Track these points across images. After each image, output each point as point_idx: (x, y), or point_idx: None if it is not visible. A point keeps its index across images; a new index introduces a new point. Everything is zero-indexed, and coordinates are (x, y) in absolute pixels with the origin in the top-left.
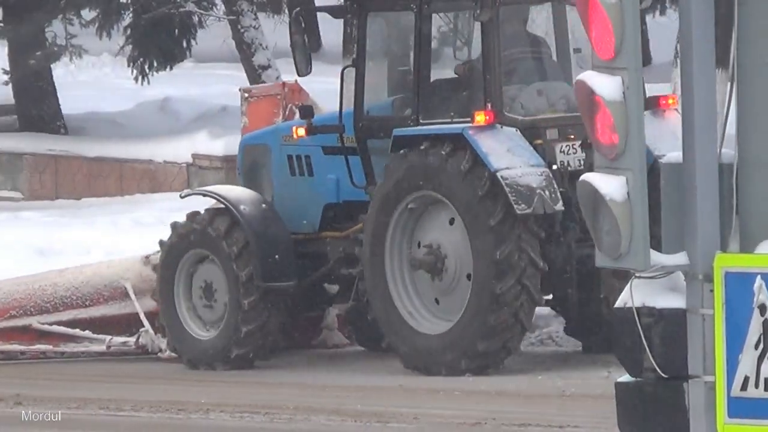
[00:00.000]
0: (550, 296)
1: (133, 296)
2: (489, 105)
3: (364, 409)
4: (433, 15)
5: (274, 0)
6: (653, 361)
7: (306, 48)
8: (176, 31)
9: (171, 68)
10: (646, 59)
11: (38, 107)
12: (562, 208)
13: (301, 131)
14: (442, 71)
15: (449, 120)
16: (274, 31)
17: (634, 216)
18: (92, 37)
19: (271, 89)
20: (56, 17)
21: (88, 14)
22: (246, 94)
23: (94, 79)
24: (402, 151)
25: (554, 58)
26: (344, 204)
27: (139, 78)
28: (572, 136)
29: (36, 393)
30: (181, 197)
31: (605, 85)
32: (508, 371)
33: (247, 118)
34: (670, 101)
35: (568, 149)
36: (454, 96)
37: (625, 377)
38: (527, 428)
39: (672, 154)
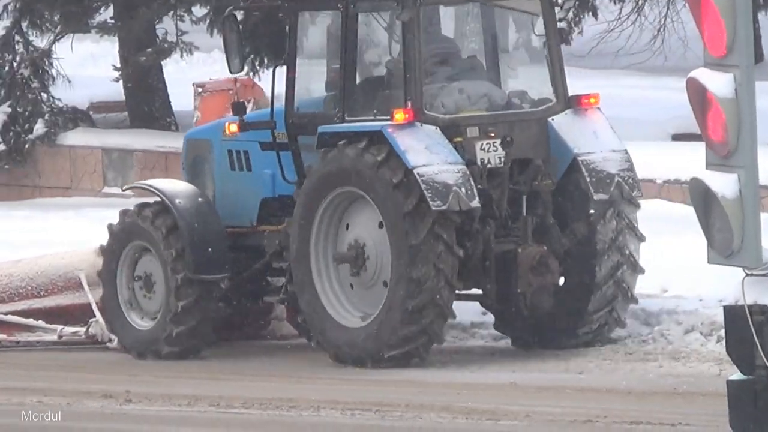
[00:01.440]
0: (476, 291)
1: (86, 287)
2: (409, 103)
3: (475, 407)
4: (363, 14)
5: None
6: (765, 359)
7: (240, 46)
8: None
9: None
10: (758, 56)
11: (149, 104)
12: (478, 205)
13: (234, 127)
14: (374, 69)
15: (372, 117)
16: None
17: (746, 213)
18: (203, 33)
19: (223, 84)
20: (167, 14)
21: (198, 11)
22: (199, 89)
23: (204, 75)
24: (324, 149)
25: (479, 57)
26: (280, 198)
27: (250, 74)
28: (493, 134)
29: (143, 390)
30: (123, 190)
31: (717, 83)
32: (619, 369)
33: (200, 113)
34: (592, 100)
35: (489, 147)
36: (379, 94)
37: (737, 375)
38: (638, 426)
39: None
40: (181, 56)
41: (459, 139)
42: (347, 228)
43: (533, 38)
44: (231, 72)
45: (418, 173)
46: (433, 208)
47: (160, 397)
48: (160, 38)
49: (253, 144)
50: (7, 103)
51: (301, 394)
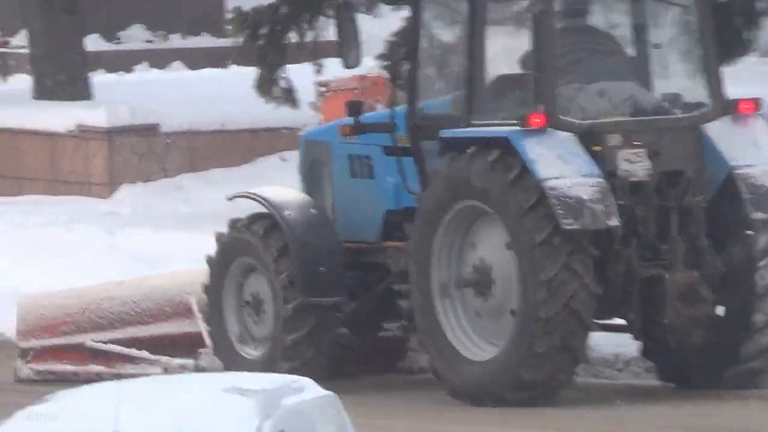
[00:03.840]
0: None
1: (197, 312)
2: (541, 107)
3: None
4: (494, 3)
5: None
6: None
7: (356, 38)
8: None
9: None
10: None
11: None
12: (617, 224)
13: (347, 129)
14: (505, 66)
15: (501, 122)
16: None
17: None
18: None
19: (349, 82)
20: None
21: None
22: (322, 88)
23: None
24: (448, 155)
25: (625, 55)
26: (406, 211)
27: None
28: (638, 143)
29: None
30: (228, 200)
31: None
32: None
33: (323, 115)
34: (753, 105)
35: (633, 157)
36: (509, 95)
37: None
38: None
39: None
40: None
41: (598, 148)
42: (473, 247)
43: (687, 35)
44: (347, 67)
45: (548, 187)
46: (564, 227)
47: None
48: None
49: (375, 148)
50: None
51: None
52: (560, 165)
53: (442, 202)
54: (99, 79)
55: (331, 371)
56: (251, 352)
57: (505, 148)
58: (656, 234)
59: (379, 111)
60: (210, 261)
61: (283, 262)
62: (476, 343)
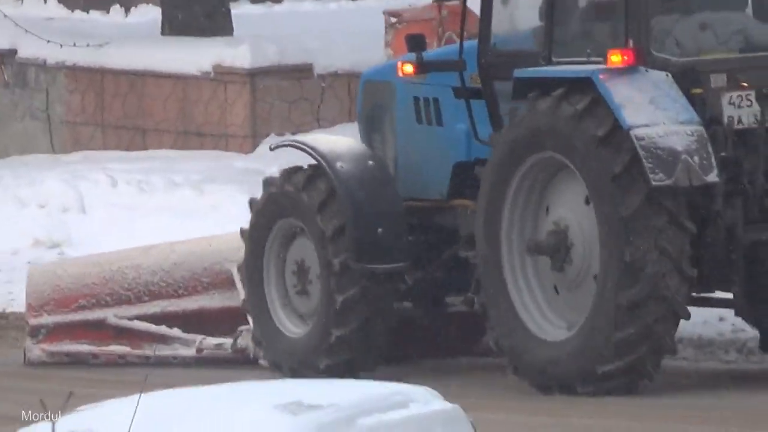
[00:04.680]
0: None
1: (239, 284)
2: (630, 41)
3: None
4: None
5: None
6: None
7: None
8: None
9: None
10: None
11: None
12: (717, 179)
13: (408, 68)
14: None
15: (585, 59)
16: None
17: None
18: None
19: (424, 12)
20: None
21: None
22: (393, 19)
23: None
24: (530, 96)
25: None
26: (478, 163)
27: None
28: (746, 84)
29: None
30: (271, 149)
31: None
32: None
33: (392, 50)
34: None
35: (740, 101)
36: (596, 28)
37: None
38: None
39: None
40: None
41: (698, 90)
42: (547, 211)
43: None
44: None
45: (635, 136)
46: (654, 183)
47: None
48: None
49: (445, 90)
50: None
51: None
52: (652, 110)
53: (517, 151)
54: (240, 11)
55: (393, 353)
56: (294, 330)
57: (596, 95)
58: (766, 191)
59: (446, 47)
60: (253, 208)
61: (329, 211)
62: (549, 319)
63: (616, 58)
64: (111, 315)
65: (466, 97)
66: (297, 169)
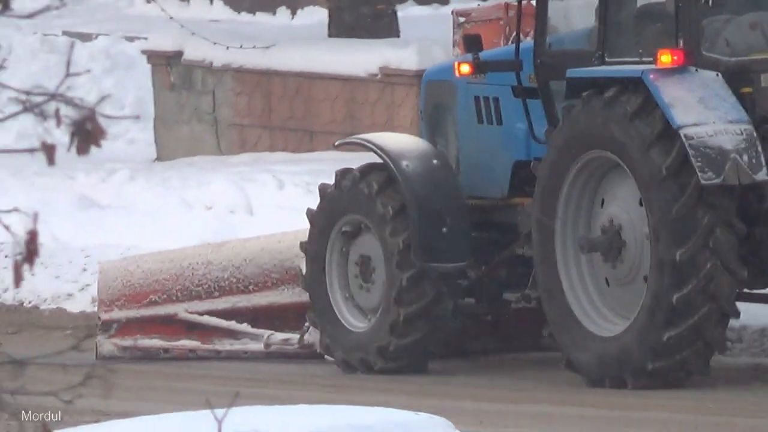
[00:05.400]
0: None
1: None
2: (681, 41)
3: None
4: None
5: None
6: None
7: None
8: None
9: None
10: None
11: None
12: (766, 178)
13: (465, 68)
14: None
15: (637, 59)
16: None
17: None
18: None
19: (492, 12)
20: None
21: None
22: (461, 19)
23: None
24: (584, 95)
25: None
26: (536, 162)
27: None
28: None
29: None
30: (335, 146)
31: None
32: None
33: (460, 50)
34: None
35: None
36: (649, 28)
37: None
38: None
39: None
40: None
41: (748, 89)
42: (602, 206)
43: None
44: None
45: (685, 135)
46: (703, 182)
47: None
48: None
49: (504, 89)
50: None
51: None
52: (701, 110)
53: (571, 149)
54: (408, 12)
55: (456, 349)
56: (357, 324)
57: (642, 90)
58: None
59: (503, 47)
60: (312, 216)
61: (400, 221)
62: (603, 314)
63: (666, 58)
64: (181, 310)
65: (524, 96)
66: (350, 169)
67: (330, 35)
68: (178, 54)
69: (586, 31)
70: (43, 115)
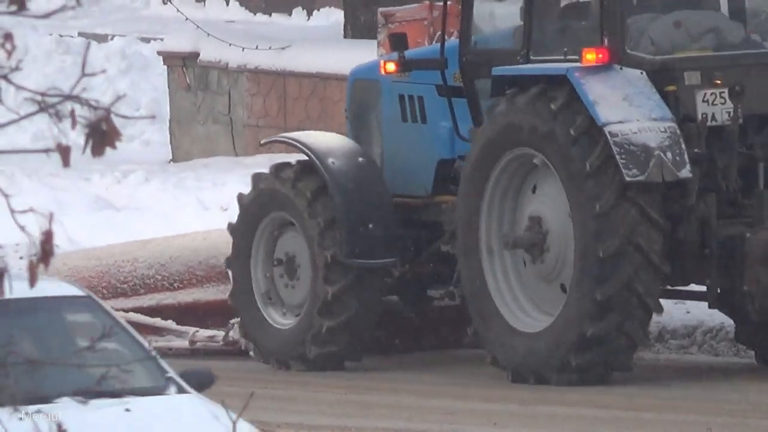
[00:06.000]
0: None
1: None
2: (606, 39)
3: None
4: None
5: None
6: None
7: None
8: None
9: None
10: None
11: None
12: (690, 175)
13: (391, 66)
14: None
15: (562, 58)
16: None
17: None
18: None
19: (416, 12)
20: None
21: None
22: (385, 19)
23: None
24: (508, 93)
25: None
26: (461, 160)
27: None
28: (719, 81)
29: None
30: (261, 145)
31: None
32: None
33: (384, 50)
34: None
35: (713, 98)
36: (573, 27)
37: None
38: None
39: None
40: None
41: (672, 87)
42: (526, 203)
43: None
44: None
45: (609, 132)
46: (627, 179)
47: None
48: None
49: (429, 88)
50: None
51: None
52: (626, 107)
53: (494, 147)
54: None
55: (382, 346)
56: (281, 321)
57: (567, 88)
58: (739, 187)
59: (429, 46)
60: (242, 203)
61: (320, 205)
62: (526, 311)
63: (591, 57)
64: (108, 307)
65: (448, 95)
66: (287, 165)
67: (345, 36)
68: (194, 55)
69: (511, 29)
70: (58, 116)
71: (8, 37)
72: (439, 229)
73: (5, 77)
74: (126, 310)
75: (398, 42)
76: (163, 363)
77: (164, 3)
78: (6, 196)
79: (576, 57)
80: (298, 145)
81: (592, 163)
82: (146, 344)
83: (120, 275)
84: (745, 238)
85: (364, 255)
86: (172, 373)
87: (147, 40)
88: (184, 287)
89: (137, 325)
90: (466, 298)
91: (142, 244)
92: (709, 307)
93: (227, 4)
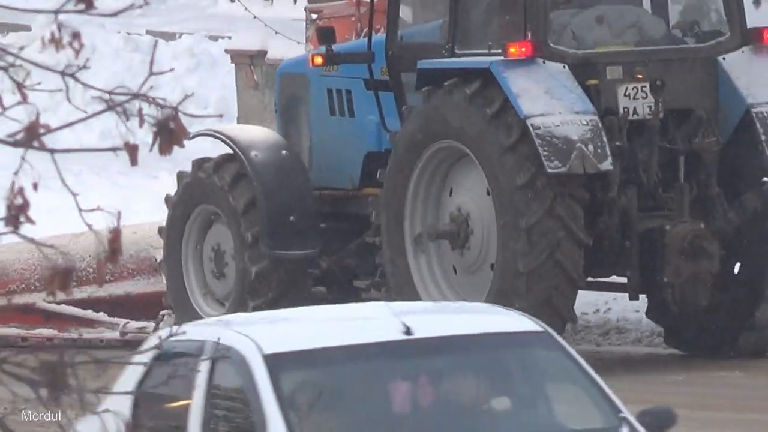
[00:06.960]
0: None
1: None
2: (529, 33)
3: None
4: None
5: None
6: None
7: None
8: None
9: None
10: None
11: None
12: (611, 167)
13: (319, 59)
14: None
15: (486, 51)
16: None
17: None
18: None
19: (344, 8)
20: None
21: None
22: (313, 15)
23: None
24: (425, 89)
25: None
26: (387, 154)
27: None
28: (641, 76)
29: None
30: (189, 138)
31: None
32: None
33: (312, 46)
34: None
35: (635, 92)
36: (497, 21)
37: None
38: None
39: None
40: None
41: (594, 81)
42: (450, 194)
43: None
44: None
45: (532, 125)
46: (549, 171)
47: None
48: None
49: (356, 82)
50: None
51: None
52: (547, 100)
53: (416, 142)
54: None
55: None
56: (211, 312)
57: (488, 80)
58: (659, 180)
59: (357, 40)
60: (169, 203)
61: (239, 189)
62: (449, 301)
63: (514, 50)
64: (39, 299)
65: (376, 88)
66: (208, 159)
67: None
68: (262, 53)
69: (437, 23)
70: (126, 115)
71: (76, 35)
72: (366, 222)
73: (73, 76)
74: (58, 303)
75: (326, 35)
76: (616, 400)
77: (232, 1)
78: (74, 194)
79: (500, 51)
80: (221, 137)
81: (509, 141)
82: (617, 403)
83: None
84: (665, 230)
85: (284, 246)
86: (625, 413)
87: (215, 39)
88: (115, 280)
89: (70, 318)
90: (392, 290)
91: (73, 237)
92: (630, 298)
93: (295, 2)
